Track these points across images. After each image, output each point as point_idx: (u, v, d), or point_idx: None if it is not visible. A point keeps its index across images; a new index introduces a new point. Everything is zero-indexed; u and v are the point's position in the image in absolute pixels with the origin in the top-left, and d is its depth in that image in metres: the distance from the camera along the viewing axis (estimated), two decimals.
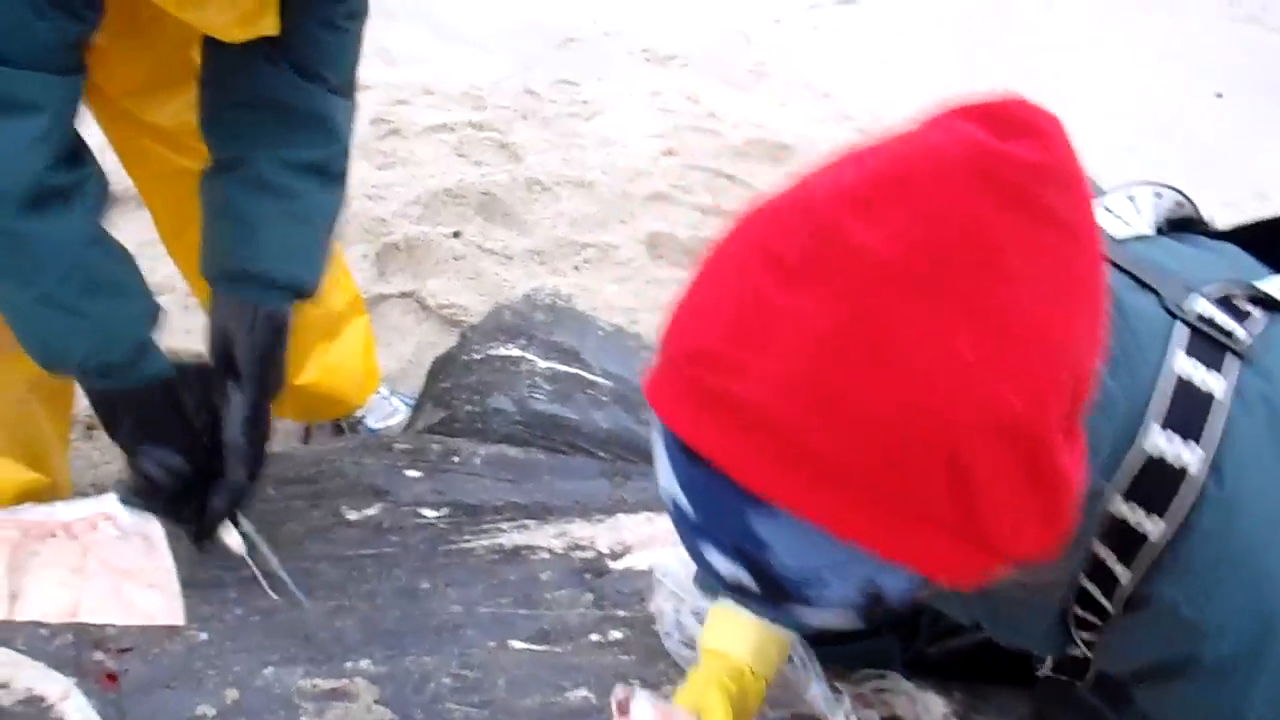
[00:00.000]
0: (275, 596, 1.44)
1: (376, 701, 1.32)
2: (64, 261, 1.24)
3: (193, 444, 1.38)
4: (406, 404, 2.23)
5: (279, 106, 1.38)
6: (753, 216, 0.69)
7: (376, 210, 2.89)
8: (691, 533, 0.70)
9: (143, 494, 1.45)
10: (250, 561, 1.43)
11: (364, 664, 1.36)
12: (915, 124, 0.67)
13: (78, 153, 1.27)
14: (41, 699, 1.27)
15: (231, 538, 1.43)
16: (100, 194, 1.30)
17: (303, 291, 1.44)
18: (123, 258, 1.36)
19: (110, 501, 1.72)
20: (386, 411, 2.20)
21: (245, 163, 1.38)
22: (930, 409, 0.58)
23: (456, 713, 1.34)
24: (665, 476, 0.70)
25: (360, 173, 3.02)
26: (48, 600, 1.50)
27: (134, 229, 2.54)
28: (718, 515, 0.67)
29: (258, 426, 1.41)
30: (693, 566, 1.43)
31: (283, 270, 1.40)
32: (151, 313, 1.37)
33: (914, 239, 0.59)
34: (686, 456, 0.66)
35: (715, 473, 0.64)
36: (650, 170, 3.22)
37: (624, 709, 1.12)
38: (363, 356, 2.09)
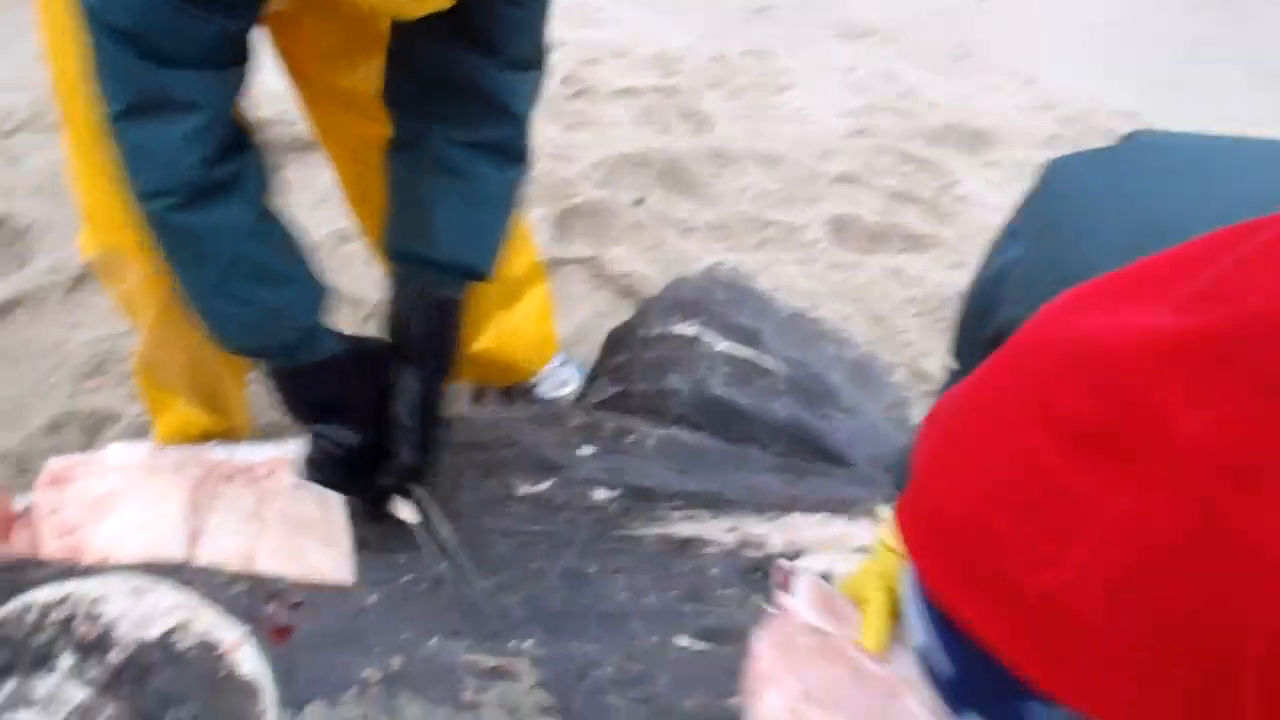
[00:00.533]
0: (445, 567, 1.43)
1: (537, 684, 1.30)
2: (226, 253, 1.26)
3: (363, 421, 1.41)
4: (579, 374, 2.21)
5: (457, 85, 1.36)
6: (1021, 351, 0.57)
7: (561, 171, 2.87)
8: (950, 693, 0.66)
9: (315, 465, 1.47)
10: (423, 532, 1.44)
11: (527, 644, 1.34)
12: (1226, 263, 0.52)
13: (239, 140, 1.26)
14: (215, 646, 1.29)
15: (405, 510, 1.46)
16: (261, 177, 1.30)
17: (476, 275, 1.44)
18: (286, 245, 1.36)
19: (289, 448, 1.75)
20: (559, 380, 2.19)
21: (423, 142, 1.38)
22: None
23: (616, 705, 1.31)
24: (923, 635, 0.64)
25: (547, 133, 3.01)
26: (226, 544, 1.53)
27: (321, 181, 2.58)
28: (985, 691, 0.63)
29: (428, 409, 1.44)
30: None
31: (456, 256, 1.41)
32: (318, 297, 1.39)
33: (1247, 424, 0.48)
34: (953, 629, 0.59)
35: (991, 656, 0.57)
36: (840, 149, 3.12)
37: (786, 585, 1.14)
38: (539, 324, 2.07)
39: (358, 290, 2.45)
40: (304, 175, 2.74)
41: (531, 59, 1.42)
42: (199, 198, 1.21)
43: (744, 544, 1.53)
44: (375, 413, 1.40)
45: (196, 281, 1.31)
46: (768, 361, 2.01)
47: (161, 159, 1.19)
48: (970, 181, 3.01)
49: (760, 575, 1.49)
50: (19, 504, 1.80)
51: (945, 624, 0.61)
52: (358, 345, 1.41)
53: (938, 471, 0.60)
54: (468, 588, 1.40)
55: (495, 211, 1.44)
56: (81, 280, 2.41)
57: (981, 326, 0.93)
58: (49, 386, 2.19)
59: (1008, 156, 3.17)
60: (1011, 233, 0.94)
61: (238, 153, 1.25)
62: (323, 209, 2.69)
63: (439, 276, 1.41)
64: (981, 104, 3.49)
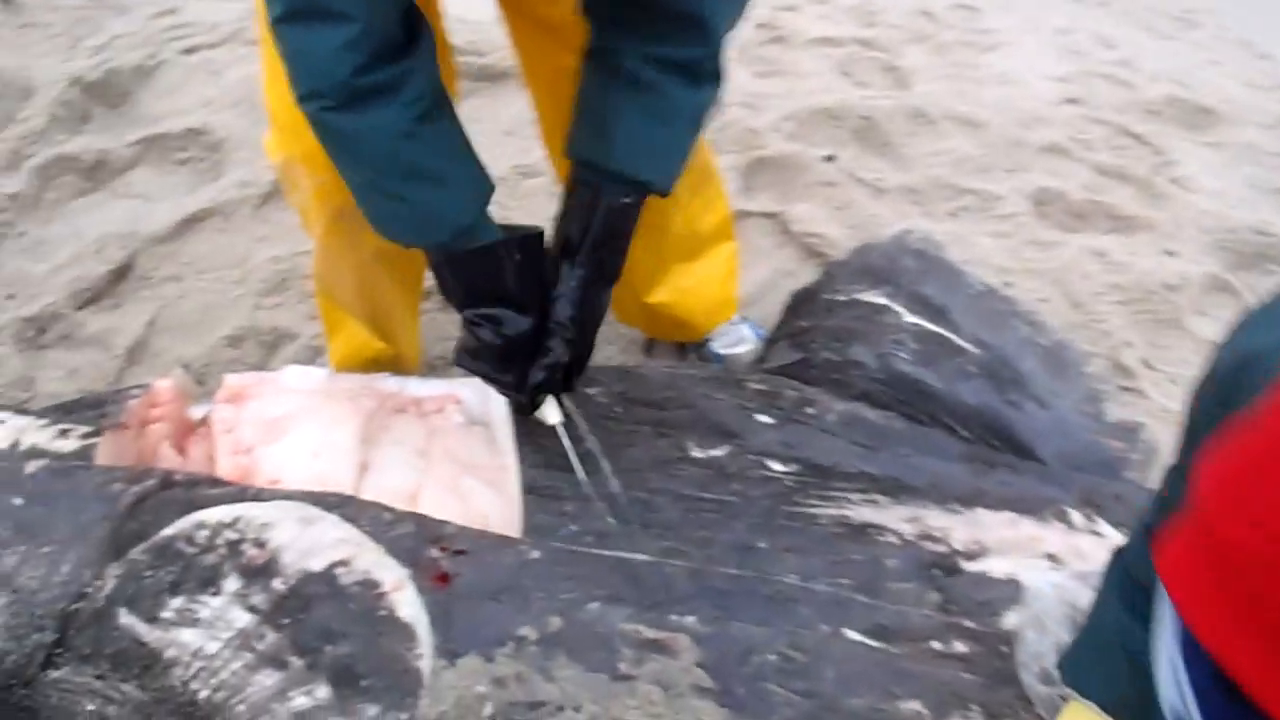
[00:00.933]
0: (584, 477, 1.43)
1: (697, 664, 1.25)
2: (379, 153, 1.26)
3: (521, 311, 1.39)
4: (756, 334, 2.13)
5: (654, 2, 1.30)
6: None
7: (750, 121, 2.78)
8: None
9: (470, 354, 1.46)
10: (565, 435, 1.46)
11: (689, 620, 1.28)
12: None
13: (403, 47, 1.23)
14: (376, 584, 1.27)
15: (550, 410, 1.46)
16: (426, 86, 1.27)
17: (651, 189, 1.40)
18: (447, 147, 1.33)
19: (460, 385, 1.73)
20: (735, 338, 2.11)
21: (613, 54, 1.34)
22: None
23: (778, 696, 1.24)
24: (1175, 695, 0.56)
25: (737, 79, 2.91)
26: (393, 478, 1.52)
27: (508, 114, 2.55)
28: None
29: (586, 309, 1.41)
30: (1067, 593, 1.27)
31: (632, 167, 1.37)
32: (477, 197, 1.36)
33: None
34: (1222, 688, 0.50)
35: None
36: (1048, 117, 2.93)
37: None
38: (721, 284, 2.00)
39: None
40: (491, 107, 2.72)
41: None
42: (352, 101, 1.21)
43: (924, 536, 1.44)
44: (534, 305, 1.39)
45: (354, 179, 1.32)
46: (958, 340, 1.90)
47: (315, 64, 1.20)
48: (1189, 162, 2.79)
49: (939, 572, 1.40)
50: (196, 412, 1.84)
51: (1212, 681, 0.53)
52: (521, 236, 1.38)
53: (1234, 507, 0.52)
54: (632, 546, 1.35)
55: (678, 129, 1.39)
56: (270, 196, 2.44)
57: (1221, 413, 0.80)
58: (233, 299, 2.23)
59: (1232, 138, 2.93)
60: (1260, 316, 0.82)
61: (397, 59, 1.23)
62: (508, 142, 2.66)
63: (615, 185, 1.38)
64: (1207, 78, 3.23)
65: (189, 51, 2.95)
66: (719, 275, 1.99)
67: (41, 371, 2.04)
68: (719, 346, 2.11)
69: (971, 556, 1.43)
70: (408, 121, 1.26)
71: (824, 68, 3.07)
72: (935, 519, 1.47)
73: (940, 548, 1.43)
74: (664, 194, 1.42)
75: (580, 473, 1.43)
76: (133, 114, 2.70)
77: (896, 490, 1.51)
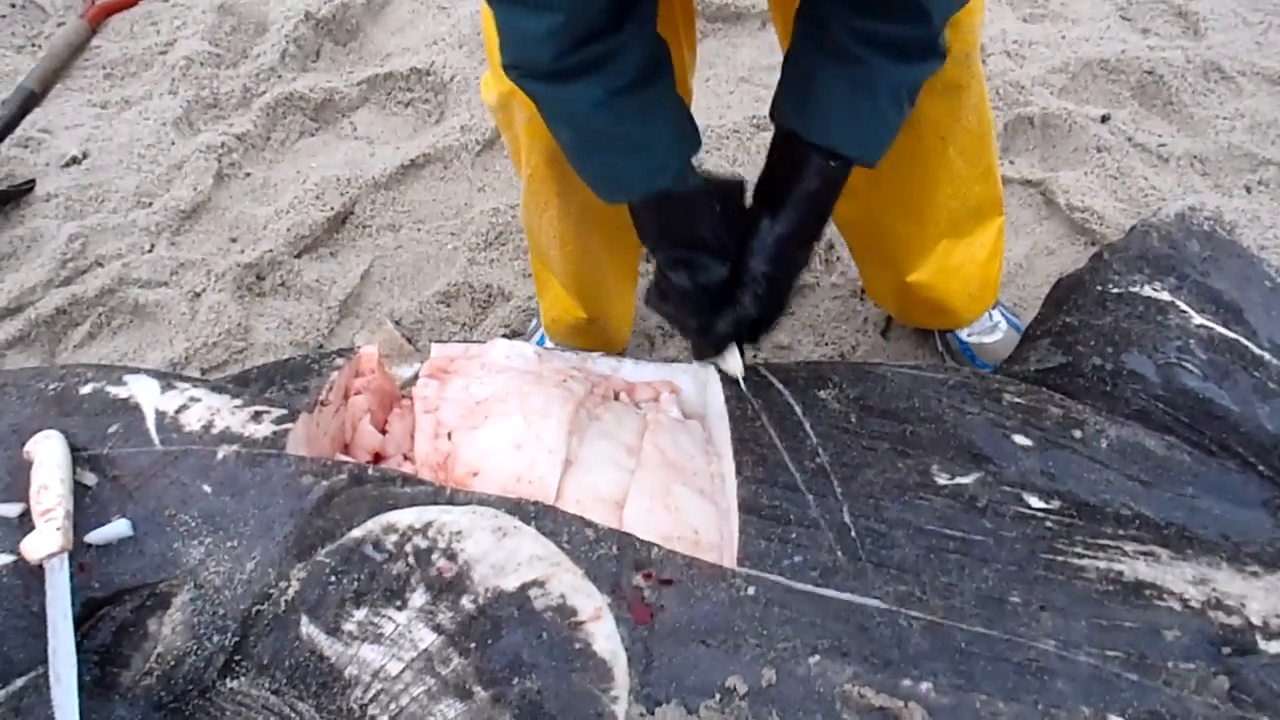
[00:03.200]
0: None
1: None
2: (577, 121, 1.29)
3: (715, 257, 1.37)
4: (1010, 323, 1.90)
5: None
6: None
7: (1013, 73, 2.49)
8: None
9: (660, 295, 1.44)
10: (745, 390, 1.43)
11: (924, 686, 1.11)
12: None
13: (611, 27, 1.22)
14: (573, 611, 1.15)
15: (733, 362, 1.44)
16: (634, 60, 1.26)
17: (855, 163, 1.35)
18: (651, 114, 1.31)
19: (678, 371, 1.58)
20: (985, 325, 1.89)
21: (822, 22, 1.27)
22: None
23: None
24: None
25: (1001, 22, 2.62)
26: (598, 480, 1.39)
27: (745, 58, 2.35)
28: None
29: (780, 264, 1.37)
30: None
31: (835, 140, 1.31)
32: (678, 158, 1.34)
33: None
34: None
35: None
36: None
37: None
38: (986, 265, 1.77)
39: None
40: (728, 51, 2.53)
41: None
42: (554, 77, 1.23)
43: (1213, 604, 1.21)
44: (729, 252, 1.37)
45: (558, 137, 1.35)
46: (1255, 348, 1.61)
47: (519, 43, 1.23)
48: None
49: (1230, 651, 1.17)
50: (401, 373, 1.76)
51: None
52: (720, 185, 1.38)
53: None
54: (862, 592, 1.17)
55: (884, 104, 1.29)
56: (492, 143, 2.34)
57: None
58: (449, 252, 2.14)
59: None
60: None
61: (604, 38, 1.21)
62: (743, 90, 2.47)
63: (816, 153, 1.33)
64: None
65: None
66: (984, 254, 1.77)
67: (258, 321, 2.01)
68: (967, 334, 1.88)
69: (1273, 634, 1.19)
70: (609, 94, 1.25)
71: (1103, 12, 2.73)
72: (1228, 582, 1.23)
73: (1233, 620, 1.19)
74: (870, 166, 1.35)
75: (828, 541, 1.27)
76: (361, 50, 2.64)
77: (1181, 542, 1.27)
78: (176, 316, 2.00)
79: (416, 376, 1.59)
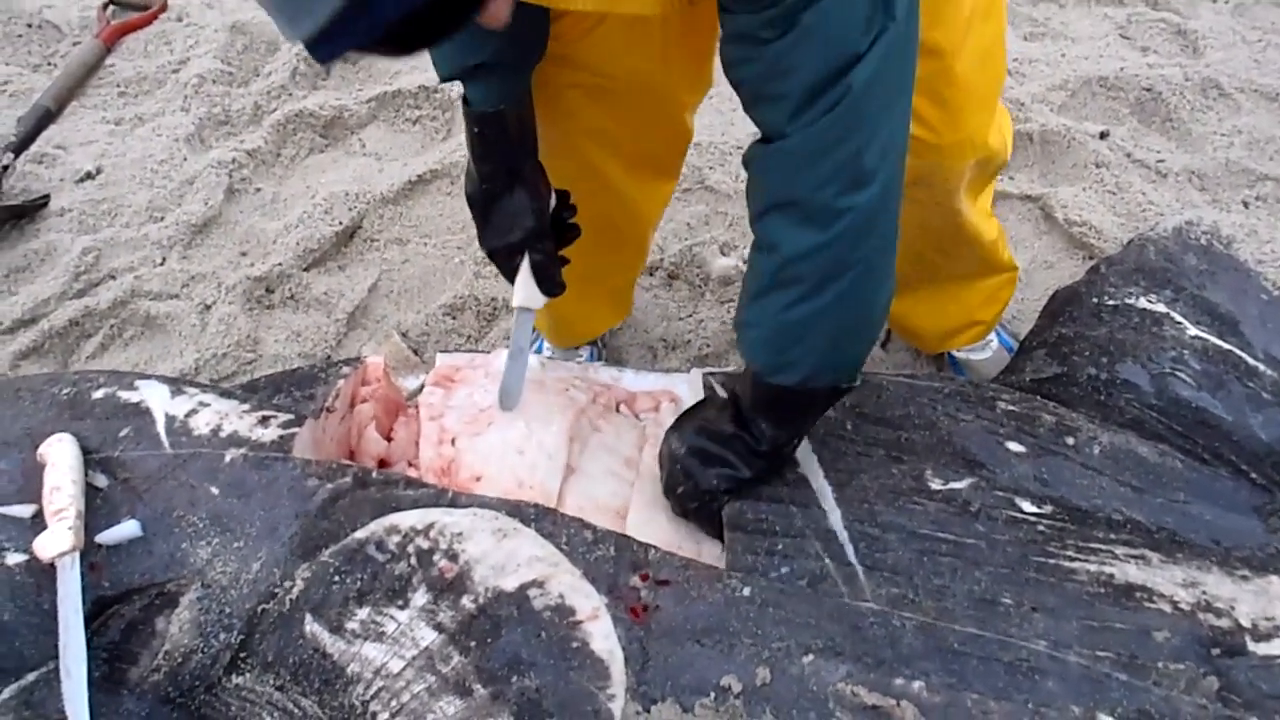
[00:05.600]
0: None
1: None
2: None
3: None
4: (1003, 341, 1.92)
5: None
6: None
7: (1013, 90, 2.52)
8: None
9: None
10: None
11: (916, 685, 1.13)
12: None
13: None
14: (572, 611, 1.17)
15: (523, 294, 1.43)
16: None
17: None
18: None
19: (677, 381, 1.61)
20: (976, 343, 1.90)
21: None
22: None
23: None
24: None
25: None
26: (600, 490, 1.42)
27: None
28: None
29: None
30: None
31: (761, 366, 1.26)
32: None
33: None
34: None
35: None
36: None
37: None
38: (978, 309, 1.82)
39: None
40: None
41: None
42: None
43: (1203, 606, 1.22)
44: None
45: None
46: (1249, 359, 1.63)
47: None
48: None
49: (1219, 652, 1.19)
50: (407, 384, 1.79)
51: None
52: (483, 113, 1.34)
53: None
54: (853, 593, 1.19)
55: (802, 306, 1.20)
56: None
57: None
58: (454, 265, 2.17)
59: None
60: None
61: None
62: None
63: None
64: None
65: None
66: (977, 300, 1.79)
67: (267, 333, 2.04)
68: (957, 349, 1.91)
69: (1261, 636, 1.20)
70: None
71: (1102, 30, 2.76)
72: (1218, 585, 1.25)
73: (1223, 622, 1.21)
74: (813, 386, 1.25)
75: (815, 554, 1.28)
76: (370, 69, 2.68)
77: (1171, 546, 1.29)
78: (187, 328, 2.03)
79: (422, 387, 1.62)
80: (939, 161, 1.46)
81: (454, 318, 2.06)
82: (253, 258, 2.18)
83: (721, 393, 1.45)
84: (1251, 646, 1.20)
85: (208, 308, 2.08)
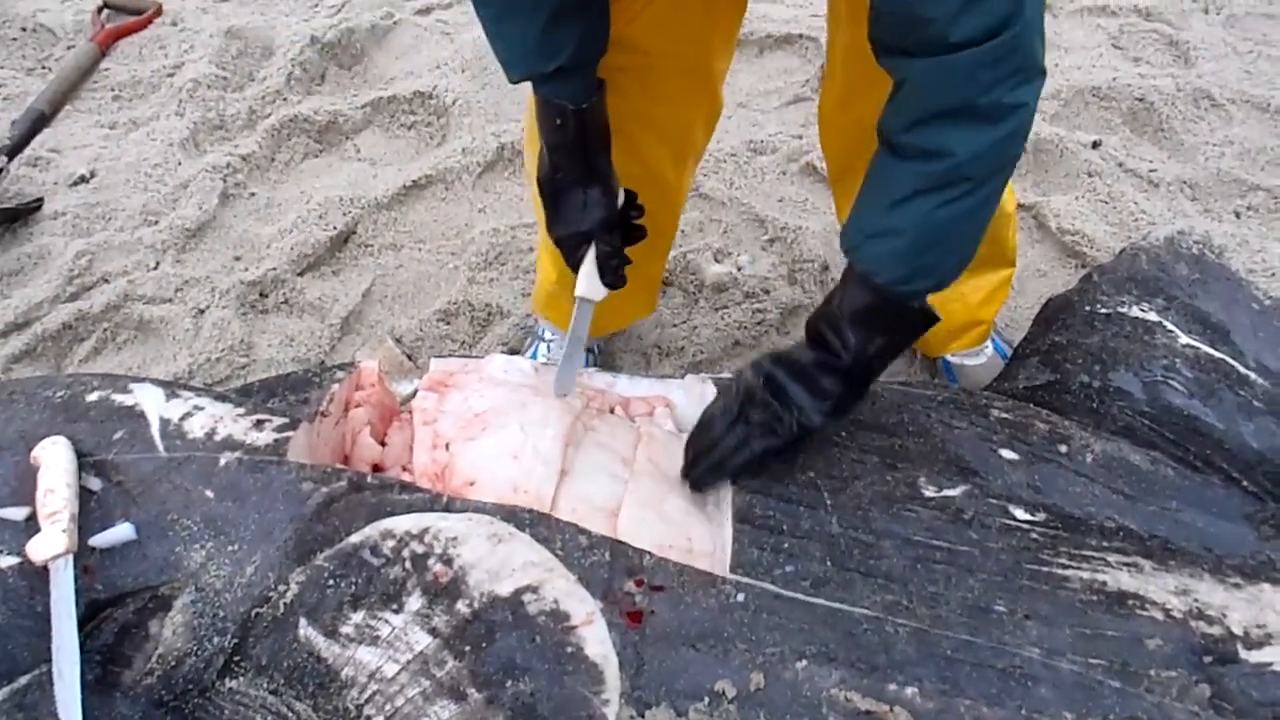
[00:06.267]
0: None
1: None
2: None
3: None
4: (997, 348, 1.93)
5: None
6: None
7: None
8: None
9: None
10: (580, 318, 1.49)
11: (910, 691, 1.13)
12: None
13: None
14: (565, 616, 1.17)
15: (587, 285, 1.46)
16: None
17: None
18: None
19: (672, 386, 1.61)
20: (970, 349, 1.91)
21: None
22: None
23: None
24: None
25: None
26: (593, 489, 1.41)
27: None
28: None
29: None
30: None
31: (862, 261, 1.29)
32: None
33: None
34: None
35: None
36: None
37: None
38: (977, 308, 1.82)
39: (764, 209, 2.26)
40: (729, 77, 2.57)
41: None
42: None
43: (1195, 614, 1.23)
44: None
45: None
46: (1241, 368, 1.64)
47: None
48: None
49: (1212, 660, 1.19)
50: (401, 389, 1.78)
51: None
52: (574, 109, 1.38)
53: None
54: (849, 601, 1.19)
55: (908, 211, 1.24)
56: (493, 165, 2.37)
57: None
58: (449, 271, 2.17)
59: None
60: None
61: None
62: (741, 115, 2.51)
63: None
64: None
65: (423, 12, 2.92)
66: (978, 299, 1.80)
67: (260, 337, 2.03)
68: (951, 355, 1.91)
69: (1253, 644, 1.21)
70: None
71: (1095, 40, 2.77)
72: (1210, 593, 1.26)
73: (1215, 630, 1.22)
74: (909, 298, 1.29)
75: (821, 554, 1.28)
76: (366, 74, 2.68)
77: (1164, 554, 1.30)
78: (180, 332, 2.03)
79: (416, 393, 1.62)
80: None
81: (448, 323, 2.06)
82: (246, 262, 2.18)
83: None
84: (1244, 654, 1.20)
85: (201, 312, 2.07)
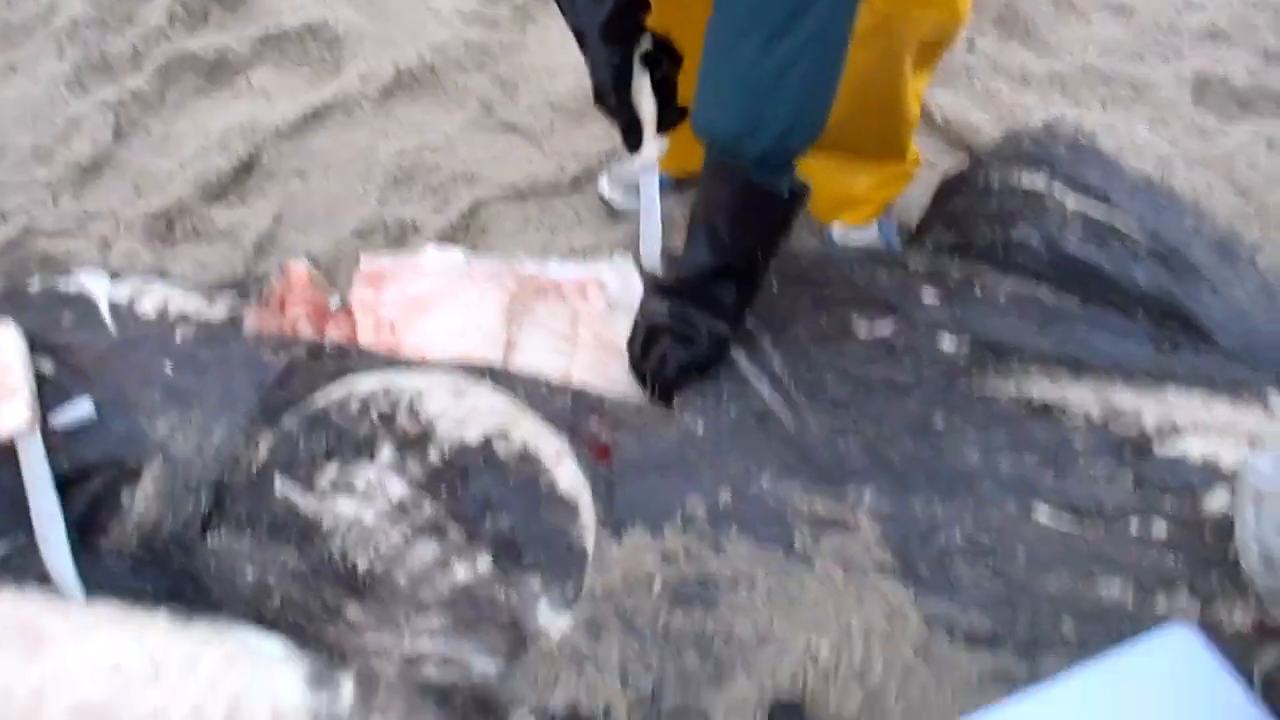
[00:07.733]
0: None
1: (878, 542, 1.17)
2: None
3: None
4: (885, 234, 2.00)
5: None
6: None
7: None
8: None
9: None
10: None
11: (866, 496, 1.20)
12: None
13: None
14: (535, 455, 1.21)
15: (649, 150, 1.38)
16: None
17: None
18: None
19: (601, 268, 1.66)
20: (858, 229, 1.99)
21: None
22: None
23: (965, 576, 1.16)
24: None
25: None
26: (540, 361, 1.46)
27: None
28: None
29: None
30: None
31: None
32: None
33: None
34: None
35: None
36: (1204, 2, 2.73)
37: None
38: (870, 190, 1.89)
39: None
40: None
41: None
42: None
43: (1112, 415, 1.34)
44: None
45: None
46: (1123, 225, 1.76)
47: None
48: None
49: (1131, 453, 1.30)
50: (331, 303, 1.79)
51: None
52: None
53: None
54: (801, 428, 1.27)
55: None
56: (392, 91, 2.37)
57: None
58: (358, 193, 2.17)
59: None
60: None
61: None
62: None
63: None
64: None
65: None
66: (870, 183, 1.87)
67: (174, 264, 2.01)
68: (838, 234, 1.99)
69: (1164, 437, 1.32)
70: None
71: None
72: (1122, 398, 1.36)
73: (1130, 428, 1.32)
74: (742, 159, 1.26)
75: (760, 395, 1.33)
76: (250, 12, 2.64)
77: (1077, 368, 1.40)
78: (89, 265, 1.99)
79: (343, 305, 1.62)
80: (905, 11, 1.50)
81: (363, 241, 2.06)
82: (149, 194, 2.14)
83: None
84: (1156, 447, 1.31)
85: (109, 244, 2.04)
